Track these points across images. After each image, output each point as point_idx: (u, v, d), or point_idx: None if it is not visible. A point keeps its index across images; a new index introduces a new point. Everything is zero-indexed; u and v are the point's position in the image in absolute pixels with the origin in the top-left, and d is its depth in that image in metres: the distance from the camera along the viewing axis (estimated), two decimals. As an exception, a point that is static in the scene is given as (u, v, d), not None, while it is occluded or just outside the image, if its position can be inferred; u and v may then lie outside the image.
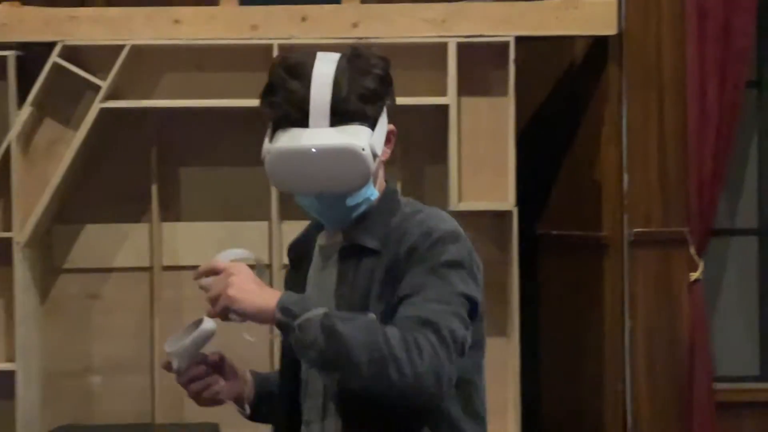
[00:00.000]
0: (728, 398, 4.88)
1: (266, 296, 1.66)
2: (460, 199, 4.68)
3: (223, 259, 1.84)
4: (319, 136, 1.74)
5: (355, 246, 1.77)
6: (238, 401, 1.98)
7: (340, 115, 1.74)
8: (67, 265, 4.94)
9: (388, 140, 1.83)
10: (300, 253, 1.91)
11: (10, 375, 4.63)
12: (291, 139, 1.74)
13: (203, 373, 1.89)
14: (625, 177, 4.87)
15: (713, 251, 5.00)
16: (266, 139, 1.80)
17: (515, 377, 4.75)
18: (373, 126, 1.79)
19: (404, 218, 1.82)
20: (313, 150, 1.73)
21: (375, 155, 1.77)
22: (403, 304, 1.68)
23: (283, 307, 1.63)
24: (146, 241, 4.97)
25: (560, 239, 5.23)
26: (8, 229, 4.66)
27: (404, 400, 1.62)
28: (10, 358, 4.68)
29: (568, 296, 5.22)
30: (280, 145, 1.74)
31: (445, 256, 1.74)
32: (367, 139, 1.76)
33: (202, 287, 1.75)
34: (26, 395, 4.65)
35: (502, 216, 4.76)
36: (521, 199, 4.79)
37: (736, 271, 5.19)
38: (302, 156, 1.75)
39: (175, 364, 1.85)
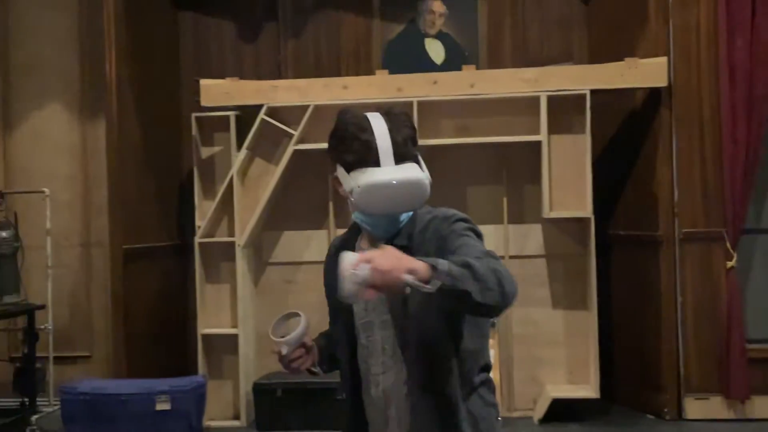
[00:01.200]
0: (757, 355, 5.22)
1: (410, 260, 1.74)
2: (551, 209, 5.29)
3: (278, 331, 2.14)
4: (392, 172, 1.93)
5: (393, 246, 1.85)
6: (313, 365, 2.19)
7: (400, 156, 1.95)
8: (271, 260, 5.75)
9: None
10: (342, 251, 1.88)
11: (234, 337, 5.48)
12: (372, 175, 1.92)
13: (301, 354, 2.13)
14: (676, 191, 5.34)
15: (744, 246, 5.35)
16: (344, 177, 1.98)
17: (594, 341, 5.27)
18: (419, 162, 2.01)
19: (423, 218, 2.02)
20: (394, 182, 1.92)
21: (430, 182, 1.98)
22: (455, 254, 1.86)
23: (431, 265, 1.72)
24: (325, 241, 5.58)
25: (627, 237, 5.65)
26: (232, 235, 5.51)
27: (508, 304, 1.79)
28: (234, 325, 5.53)
29: (633, 281, 5.56)
30: (368, 181, 1.92)
31: (462, 226, 1.96)
32: (425, 172, 1.99)
33: (357, 282, 1.73)
34: (245, 351, 5.49)
35: (583, 221, 5.35)
36: (597, 209, 5.33)
37: (762, 260, 5.50)
38: (386, 187, 1.92)
39: (284, 351, 2.03)
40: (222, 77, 5.69)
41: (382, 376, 2.02)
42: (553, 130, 5.34)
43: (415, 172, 1.94)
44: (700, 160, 5.36)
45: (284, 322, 2.13)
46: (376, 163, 1.93)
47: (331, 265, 2.05)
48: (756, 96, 5.25)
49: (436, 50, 6.17)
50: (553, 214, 5.33)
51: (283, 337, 2.06)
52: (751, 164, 5.27)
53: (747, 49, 5.26)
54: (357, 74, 5.76)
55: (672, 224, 5.36)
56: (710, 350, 5.29)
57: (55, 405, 5.37)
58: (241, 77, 5.69)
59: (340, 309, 2.07)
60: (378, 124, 1.96)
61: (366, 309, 2.07)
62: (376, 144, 1.93)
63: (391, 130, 1.95)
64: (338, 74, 5.74)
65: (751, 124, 5.26)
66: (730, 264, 5.23)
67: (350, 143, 1.95)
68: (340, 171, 1.99)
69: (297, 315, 2.12)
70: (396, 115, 2.00)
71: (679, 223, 5.34)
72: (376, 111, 2.01)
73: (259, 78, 5.75)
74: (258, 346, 5.73)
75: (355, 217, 2.04)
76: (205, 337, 5.59)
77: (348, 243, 2.11)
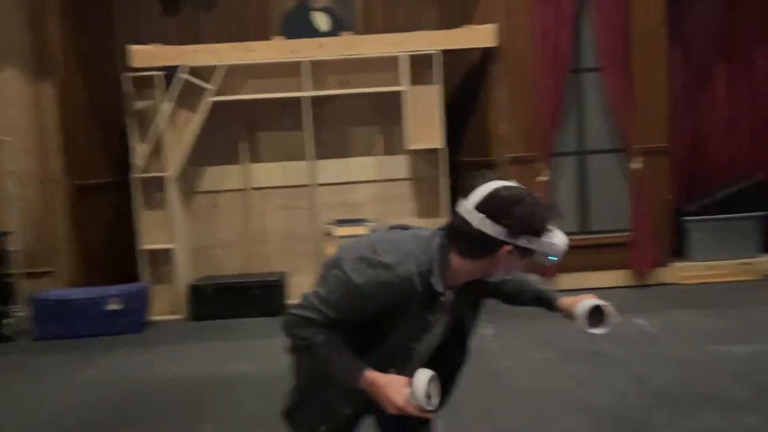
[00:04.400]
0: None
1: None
2: (412, 142, 5.66)
3: None
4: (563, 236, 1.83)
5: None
6: None
7: None
8: (198, 190, 5.99)
9: None
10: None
11: (171, 251, 5.74)
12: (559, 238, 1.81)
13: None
14: (503, 126, 5.74)
15: (554, 165, 5.77)
16: (518, 239, 1.77)
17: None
18: None
19: None
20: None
21: None
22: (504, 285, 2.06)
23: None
24: (241, 174, 5.95)
25: (470, 162, 6.03)
26: (164, 171, 5.71)
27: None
28: (170, 242, 5.76)
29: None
30: (558, 244, 1.80)
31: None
32: None
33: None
34: (181, 261, 5.79)
35: (436, 151, 5.73)
36: (448, 141, 5.68)
37: (567, 175, 5.86)
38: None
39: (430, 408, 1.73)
40: (150, 43, 5.79)
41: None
42: (413, 81, 5.66)
43: None
44: (521, 102, 5.75)
45: (419, 384, 1.75)
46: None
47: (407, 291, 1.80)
48: (560, 52, 5.70)
49: (322, 20, 6.40)
50: (414, 146, 5.72)
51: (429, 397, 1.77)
52: (557, 105, 5.73)
53: (553, 16, 5.67)
54: (260, 40, 5.91)
55: (501, 151, 5.77)
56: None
57: (25, 312, 5.52)
58: (167, 43, 5.81)
59: (416, 321, 1.88)
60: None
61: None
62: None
63: None
64: (245, 40, 5.86)
65: (556, 73, 5.71)
66: (540, 179, 5.63)
67: (547, 222, 1.81)
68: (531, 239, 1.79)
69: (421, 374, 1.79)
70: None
71: (505, 149, 5.75)
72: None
73: (182, 43, 5.87)
74: (190, 256, 6.02)
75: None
76: (147, 252, 5.82)
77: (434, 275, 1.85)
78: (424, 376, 1.75)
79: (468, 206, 1.81)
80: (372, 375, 1.79)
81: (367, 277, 1.77)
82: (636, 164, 5.74)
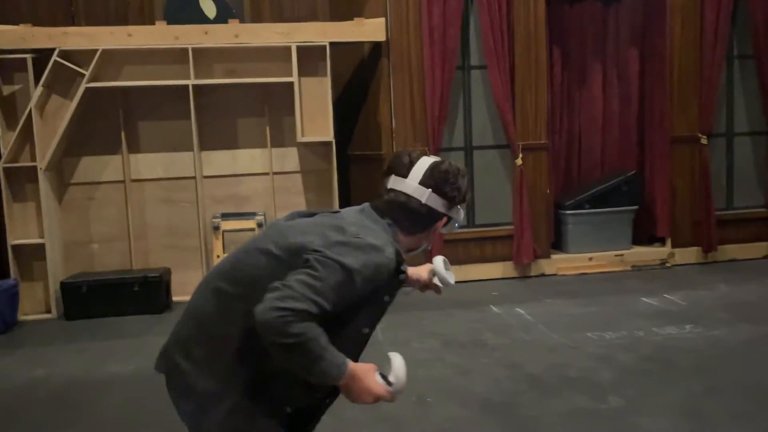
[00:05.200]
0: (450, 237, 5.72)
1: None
2: (303, 135, 5.38)
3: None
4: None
5: None
6: None
7: None
8: (73, 181, 5.46)
9: None
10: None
11: (42, 246, 5.19)
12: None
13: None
14: (393, 120, 5.61)
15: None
16: (451, 210, 1.77)
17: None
18: None
19: None
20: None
21: None
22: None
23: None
24: (120, 165, 5.49)
25: (361, 156, 5.92)
26: (34, 160, 5.17)
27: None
28: (41, 236, 5.21)
29: (366, 189, 5.58)
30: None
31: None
32: None
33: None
34: (52, 256, 5.24)
35: (327, 144, 5.49)
36: (338, 134, 5.47)
37: None
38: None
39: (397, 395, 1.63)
40: (18, 23, 5.19)
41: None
42: (302, 73, 5.41)
43: None
44: (410, 96, 5.66)
45: (390, 368, 1.65)
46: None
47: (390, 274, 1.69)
48: (448, 48, 5.62)
49: (209, 7, 5.91)
50: (305, 139, 5.47)
51: (390, 384, 1.63)
52: (445, 99, 5.65)
53: (441, 13, 5.57)
54: (142, 23, 5.47)
55: (391, 144, 5.65)
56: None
57: None
58: (36, 24, 5.23)
59: (375, 304, 1.73)
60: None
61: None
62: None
63: None
64: (125, 23, 5.38)
65: (444, 70, 5.63)
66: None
67: (466, 191, 1.81)
68: (451, 207, 1.79)
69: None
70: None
71: (395, 143, 5.64)
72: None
73: (53, 24, 5.31)
74: (64, 252, 5.50)
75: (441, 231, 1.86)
76: (16, 247, 5.26)
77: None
78: (400, 358, 1.65)
79: (412, 183, 1.76)
80: (353, 367, 1.59)
81: (362, 261, 1.60)
82: (518, 160, 5.75)
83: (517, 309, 4.96)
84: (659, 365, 3.74)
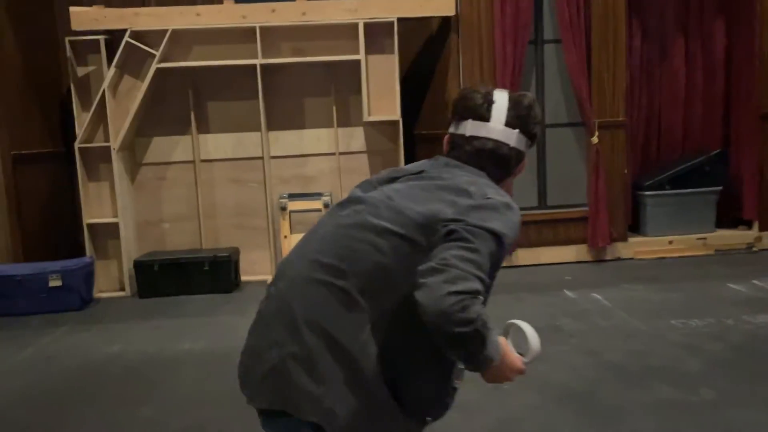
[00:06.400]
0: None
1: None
2: (369, 114, 5.30)
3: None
4: None
5: None
6: None
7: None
8: (144, 161, 5.52)
9: None
10: None
11: (116, 225, 5.30)
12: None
13: None
14: None
15: None
16: (530, 148, 1.58)
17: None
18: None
19: None
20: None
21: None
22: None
23: None
24: (190, 145, 5.51)
25: (427, 135, 5.71)
26: (108, 141, 5.25)
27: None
28: (115, 215, 5.32)
29: None
30: None
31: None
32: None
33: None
34: (125, 235, 5.34)
35: (394, 123, 5.37)
36: (405, 113, 5.34)
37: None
38: None
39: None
40: (91, 5, 5.25)
41: None
42: (369, 50, 5.29)
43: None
44: (480, 73, 5.47)
45: (522, 336, 1.47)
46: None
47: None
48: (520, 22, 5.39)
49: (275, -15, 5.86)
50: (371, 118, 5.37)
51: (522, 354, 1.46)
52: (517, 76, 5.44)
53: (514, -14, 5.36)
54: (210, 3, 5.47)
55: None
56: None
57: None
58: (108, 5, 5.28)
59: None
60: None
61: None
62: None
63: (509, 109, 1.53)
64: (193, 3, 5.40)
65: (516, 44, 5.41)
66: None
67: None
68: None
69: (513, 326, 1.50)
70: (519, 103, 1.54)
71: None
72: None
73: (124, 5, 5.36)
74: (136, 231, 5.57)
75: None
76: (91, 226, 5.36)
77: None
78: (529, 326, 1.45)
79: (497, 126, 1.51)
80: (502, 343, 1.39)
81: (505, 223, 1.38)
82: (594, 138, 5.49)
83: (593, 294, 4.73)
84: (752, 356, 3.48)
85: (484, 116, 1.50)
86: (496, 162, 1.52)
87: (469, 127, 1.52)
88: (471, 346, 1.28)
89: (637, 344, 3.73)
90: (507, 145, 1.51)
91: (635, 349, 3.66)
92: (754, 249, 5.76)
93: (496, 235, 1.35)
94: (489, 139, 1.50)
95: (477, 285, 1.27)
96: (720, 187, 5.77)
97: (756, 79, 5.64)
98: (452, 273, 1.27)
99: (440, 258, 1.29)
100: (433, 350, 1.35)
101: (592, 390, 3.17)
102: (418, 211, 1.39)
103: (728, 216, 5.89)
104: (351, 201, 1.50)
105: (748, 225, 5.85)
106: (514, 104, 1.52)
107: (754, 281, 4.86)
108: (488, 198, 1.41)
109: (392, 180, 1.53)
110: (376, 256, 1.38)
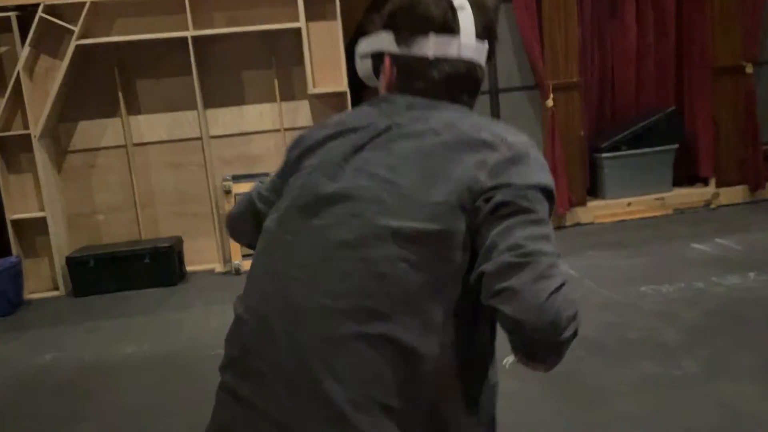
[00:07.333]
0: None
1: None
2: (314, 86, 4.98)
3: None
4: None
5: None
6: None
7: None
8: (71, 148, 5.07)
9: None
10: None
11: (43, 219, 4.84)
12: None
13: None
14: None
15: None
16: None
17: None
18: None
19: None
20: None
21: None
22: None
23: None
24: (120, 128, 5.09)
25: None
26: (27, 128, 4.79)
27: None
28: (42, 209, 4.85)
29: None
30: None
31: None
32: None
33: None
34: (55, 230, 4.90)
35: (341, 94, 5.05)
36: (351, 84, 4.95)
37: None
38: None
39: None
40: (-5, -22, 4.69)
41: None
42: (309, 18, 4.94)
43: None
44: None
45: None
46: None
47: None
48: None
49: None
50: (316, 90, 5.05)
51: None
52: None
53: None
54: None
55: None
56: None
57: None
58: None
59: None
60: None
61: None
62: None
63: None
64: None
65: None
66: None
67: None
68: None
69: None
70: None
71: None
72: None
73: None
74: (67, 225, 5.13)
75: None
76: (15, 222, 4.90)
77: None
78: None
79: (469, 41, 1.12)
80: None
81: (546, 169, 1.06)
82: (549, 101, 5.29)
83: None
84: (730, 321, 3.35)
85: (452, 27, 1.11)
86: (470, 91, 1.14)
87: (433, 45, 1.11)
88: (568, 346, 0.97)
89: (611, 316, 3.56)
90: (479, 65, 1.14)
91: (610, 321, 3.49)
92: (712, 206, 5.71)
93: (548, 192, 1.03)
94: (461, 60, 1.12)
95: (564, 266, 0.98)
96: (676, 145, 5.67)
97: (708, 32, 5.52)
98: (540, 264, 0.95)
99: (510, 245, 0.95)
100: (485, 367, 1.09)
101: (573, 372, 2.96)
102: (447, 191, 1.01)
103: (685, 174, 5.80)
104: (328, 200, 1.06)
105: (705, 182, 5.79)
106: (478, 7, 1.14)
107: (717, 239, 4.77)
108: (510, 143, 1.06)
109: (358, 149, 1.10)
110: (413, 275, 0.99)
